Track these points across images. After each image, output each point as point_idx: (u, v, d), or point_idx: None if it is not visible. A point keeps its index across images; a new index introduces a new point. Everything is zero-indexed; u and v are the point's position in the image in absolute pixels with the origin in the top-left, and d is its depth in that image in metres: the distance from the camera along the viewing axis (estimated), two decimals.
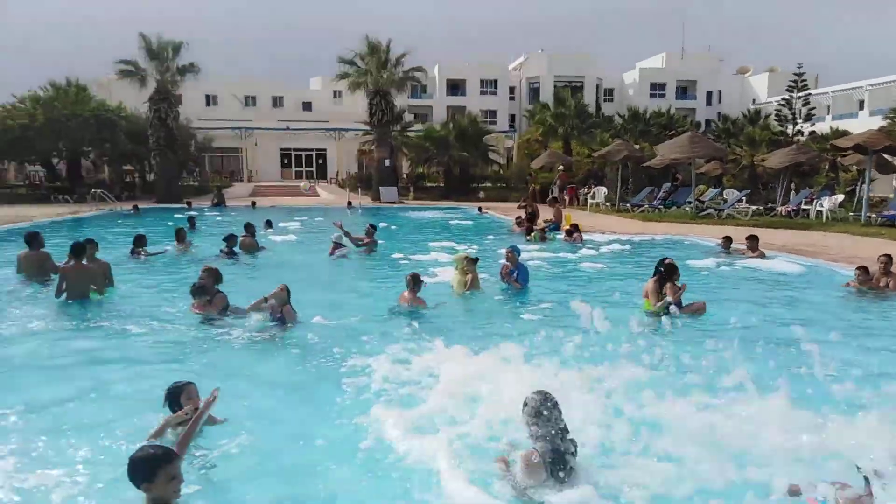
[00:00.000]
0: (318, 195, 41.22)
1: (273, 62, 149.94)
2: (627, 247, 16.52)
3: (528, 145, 45.06)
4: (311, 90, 69.95)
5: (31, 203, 31.35)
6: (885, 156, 24.49)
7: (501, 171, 44.58)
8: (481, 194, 38.43)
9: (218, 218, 25.42)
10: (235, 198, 35.17)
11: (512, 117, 69.30)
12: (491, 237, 18.74)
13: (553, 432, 4.09)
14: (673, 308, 8.61)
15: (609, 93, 70.39)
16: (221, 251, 13.78)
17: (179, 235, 14.97)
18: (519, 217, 20.75)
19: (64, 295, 9.26)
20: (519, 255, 11.05)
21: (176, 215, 25.11)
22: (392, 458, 4.53)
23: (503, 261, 11.46)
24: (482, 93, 68.43)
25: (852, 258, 13.74)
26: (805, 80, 41.13)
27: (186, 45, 32.97)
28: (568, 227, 18.01)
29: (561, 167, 33.82)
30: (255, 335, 7.68)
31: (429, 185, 43.33)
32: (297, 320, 8.07)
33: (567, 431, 4.18)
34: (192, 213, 24.34)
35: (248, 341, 7.50)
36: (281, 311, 7.95)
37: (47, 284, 10.14)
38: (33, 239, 11.05)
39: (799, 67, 40.49)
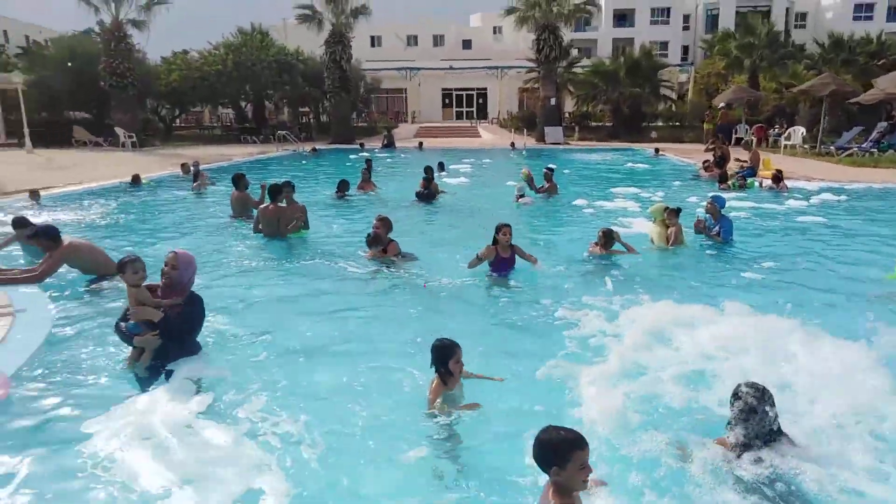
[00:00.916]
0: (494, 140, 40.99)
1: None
2: (843, 197, 14.42)
3: (705, 80, 41.29)
4: (471, 27, 69.03)
5: (225, 143, 34.23)
6: None
7: (674, 109, 41.41)
8: (653, 134, 35.98)
9: (388, 160, 26.05)
10: (402, 139, 35.91)
11: (685, 49, 63.81)
12: (677, 183, 17.33)
13: (762, 433, 3.52)
14: None
15: (801, 17, 62.16)
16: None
17: (365, 177, 15.49)
18: (707, 161, 19.01)
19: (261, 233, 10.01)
20: (722, 206, 9.98)
21: (351, 156, 26.15)
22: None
23: (700, 210, 10.47)
24: (652, 23, 63.39)
25: None
26: None
27: None
28: (771, 172, 16.10)
29: (722, 105, 30.40)
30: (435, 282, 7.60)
31: (594, 124, 41.42)
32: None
33: (780, 434, 3.58)
34: (366, 154, 25.11)
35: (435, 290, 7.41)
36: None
37: (250, 222, 10.81)
38: (239, 180, 11.85)
39: None
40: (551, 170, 15.28)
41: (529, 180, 14.55)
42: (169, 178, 18.50)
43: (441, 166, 19.66)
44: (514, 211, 13.21)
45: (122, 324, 4.86)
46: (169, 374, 4.69)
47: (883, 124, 26.16)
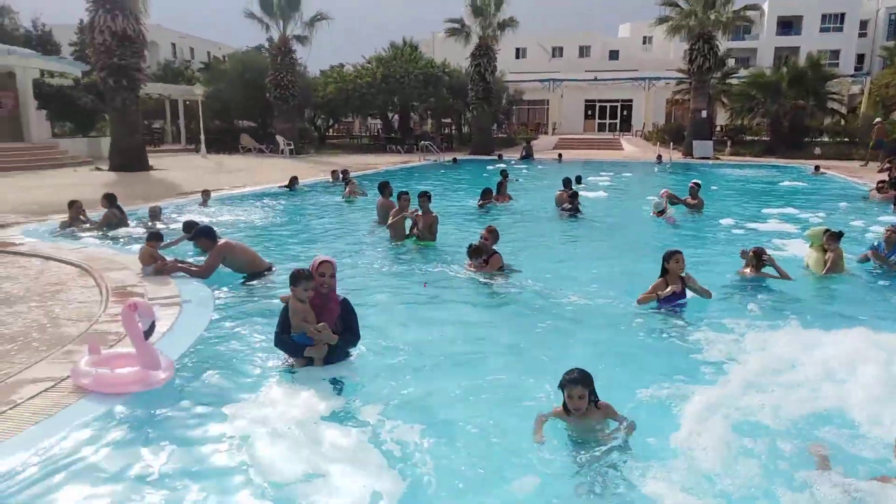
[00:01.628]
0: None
1: (579, 11, 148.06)
2: None
3: (882, 91, 37.17)
4: (618, 38, 67.41)
5: (372, 152, 36.06)
6: None
7: (843, 123, 37.69)
8: (817, 150, 32.94)
9: (524, 171, 26.05)
10: (540, 150, 35.79)
11: (860, 58, 58.02)
12: (844, 205, 15.76)
13: None
14: None
15: None
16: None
17: (501, 188, 15.66)
18: (882, 181, 17.10)
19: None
20: None
21: (488, 167, 26.48)
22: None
23: (871, 235, 9.47)
24: (822, 30, 58.27)
25: None
26: None
27: None
28: None
29: (879, 119, 27.10)
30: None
31: (749, 138, 38.73)
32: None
33: None
34: (503, 165, 25.30)
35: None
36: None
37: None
38: (384, 187, 12.42)
39: None
40: (698, 185, 14.53)
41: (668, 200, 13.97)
42: (321, 184, 19.79)
43: (578, 179, 19.34)
44: (655, 227, 12.69)
45: (289, 336, 5.06)
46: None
47: None
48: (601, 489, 3.60)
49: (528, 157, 32.01)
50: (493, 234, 8.71)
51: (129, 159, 22.87)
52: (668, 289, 6.80)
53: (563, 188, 15.17)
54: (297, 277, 5.04)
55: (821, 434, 4.20)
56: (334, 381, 4.93)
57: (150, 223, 11.70)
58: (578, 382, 4.04)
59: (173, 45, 62.37)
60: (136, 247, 9.29)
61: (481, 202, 14.61)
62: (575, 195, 13.98)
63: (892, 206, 14.38)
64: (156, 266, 8.10)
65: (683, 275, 7.02)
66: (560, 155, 31.73)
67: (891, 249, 8.82)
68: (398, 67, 37.40)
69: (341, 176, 19.22)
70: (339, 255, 9.41)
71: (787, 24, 59.70)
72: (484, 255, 8.45)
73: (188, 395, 4.72)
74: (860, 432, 4.23)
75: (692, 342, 5.94)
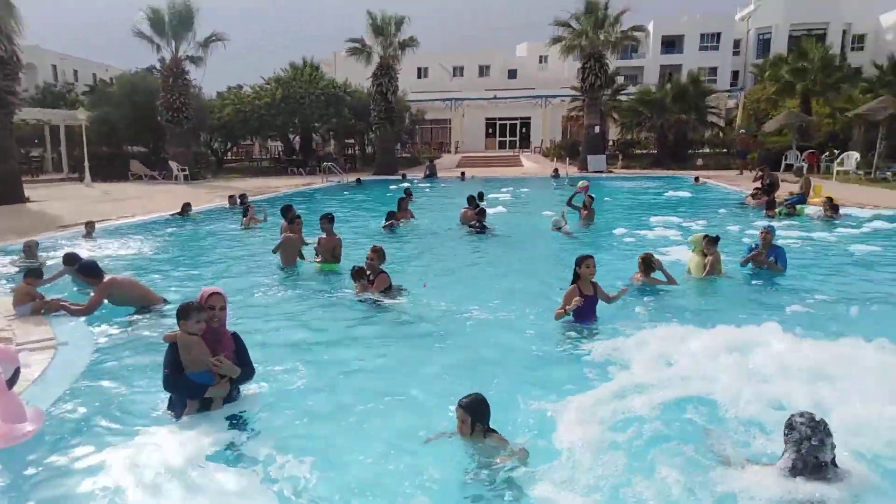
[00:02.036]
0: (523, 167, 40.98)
1: (479, 30, 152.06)
2: None
3: (755, 105, 40.41)
4: (516, 57, 69.62)
5: (273, 175, 35.24)
6: None
7: (722, 136, 40.62)
8: (699, 161, 35.32)
9: (427, 189, 26.28)
10: (444, 169, 36.24)
11: (735, 74, 62.79)
12: (722, 211, 16.92)
13: (814, 463, 3.40)
14: None
15: (859, 39, 60.45)
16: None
17: (401, 205, 15.69)
18: (756, 188, 18.51)
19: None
20: (774, 235, 9.69)
21: (392, 186, 26.48)
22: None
23: (747, 241, 10.21)
24: (702, 48, 62.71)
25: None
26: None
27: (408, 19, 34.21)
28: (821, 199, 15.56)
29: (743, 131, 30.33)
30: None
31: (639, 152, 40.96)
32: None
33: (836, 466, 3.46)
34: (407, 184, 25.40)
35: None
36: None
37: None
38: (287, 211, 12.13)
39: None
40: (592, 198, 15.15)
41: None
42: (218, 210, 19.08)
43: (480, 196, 19.71)
44: (554, 240, 13.11)
45: (184, 376, 4.64)
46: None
47: None
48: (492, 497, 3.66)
49: (431, 175, 32.31)
50: (378, 254, 8.51)
51: (1, 190, 21.17)
52: (575, 301, 6.72)
53: (467, 206, 15.41)
54: (187, 310, 4.73)
55: (690, 417, 4.60)
56: (227, 420, 4.71)
57: (25, 260, 10.84)
58: (461, 407, 4.13)
59: (54, 66, 58.70)
60: (10, 286, 8.58)
61: (386, 223, 14.58)
62: (482, 212, 14.21)
63: (765, 211, 15.55)
64: (34, 305, 7.52)
65: (594, 282, 7.08)
66: (463, 173, 32.23)
67: (767, 250, 9.51)
68: (298, 88, 36.89)
69: (239, 201, 18.63)
70: (233, 284, 9.09)
71: (671, 44, 63.83)
72: (368, 275, 8.35)
73: (59, 449, 4.36)
74: (722, 415, 4.65)
75: (583, 349, 6.17)
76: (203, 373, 4.70)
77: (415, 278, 9.25)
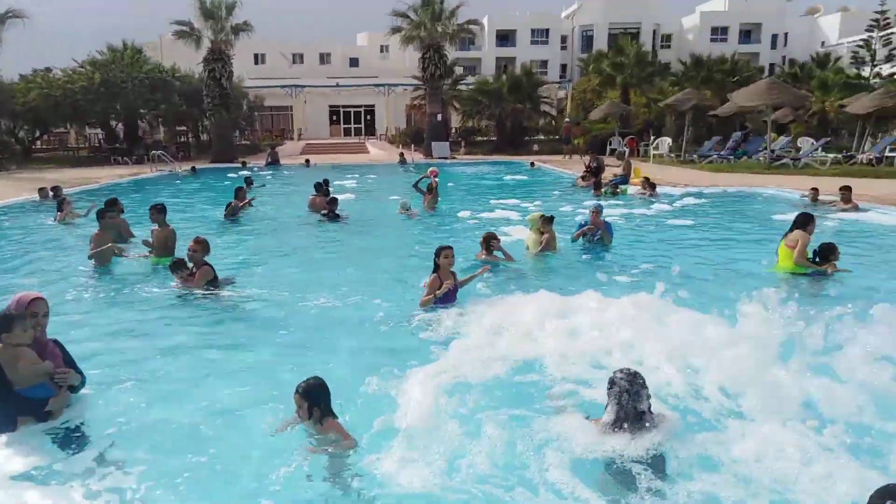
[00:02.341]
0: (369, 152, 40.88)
1: (318, 18, 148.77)
2: (703, 200, 15.61)
3: (582, 96, 43.48)
4: (357, 46, 69.01)
5: (94, 165, 32.00)
6: None
7: (554, 124, 43.26)
8: (535, 147, 37.39)
9: (269, 176, 25.35)
10: (287, 156, 35.12)
11: (563, 67, 66.99)
12: (556, 193, 18.03)
13: (633, 412, 3.75)
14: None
15: (667, 38, 67.10)
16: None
17: (238, 194, 14.88)
18: (585, 171, 19.91)
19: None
20: (602, 212, 10.50)
21: (230, 175, 25.16)
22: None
23: (579, 219, 10.96)
24: (533, 42, 66.20)
25: None
26: (888, 19, 38.02)
27: (241, 3, 32.49)
28: (641, 179, 17.12)
29: (567, 120, 33.35)
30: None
31: (479, 139, 42.45)
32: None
33: (651, 413, 3.83)
34: (247, 172, 24.29)
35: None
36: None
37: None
38: (113, 204, 10.95)
39: (882, 4, 37.37)
40: (436, 182, 15.41)
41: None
42: (30, 204, 16.95)
43: (326, 183, 19.34)
44: (402, 224, 13.19)
45: (11, 393, 4.02)
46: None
47: (737, 134, 28.62)
48: (336, 487, 3.59)
49: (274, 163, 31.16)
50: (201, 245, 7.96)
51: None
52: (444, 286, 6.82)
53: (315, 193, 15.03)
54: (9, 321, 4.09)
55: (523, 380, 4.88)
56: (62, 428, 4.19)
57: None
58: (297, 392, 4.01)
59: None
60: None
61: (227, 213, 13.79)
62: (334, 200, 13.82)
63: (593, 191, 16.79)
64: None
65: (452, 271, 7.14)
66: (308, 160, 31.43)
67: (596, 226, 10.24)
68: (119, 72, 33.71)
69: (51, 193, 16.70)
70: (49, 286, 8.12)
71: (505, 37, 66.62)
72: (188, 268, 7.84)
73: None
74: (552, 374, 4.98)
75: (428, 326, 6.27)
76: (38, 386, 4.12)
77: (253, 268, 8.85)
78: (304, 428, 4.05)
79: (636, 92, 38.13)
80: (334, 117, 56.45)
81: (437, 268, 7.01)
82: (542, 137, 40.97)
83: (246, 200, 14.95)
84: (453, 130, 43.09)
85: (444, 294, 6.80)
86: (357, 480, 3.63)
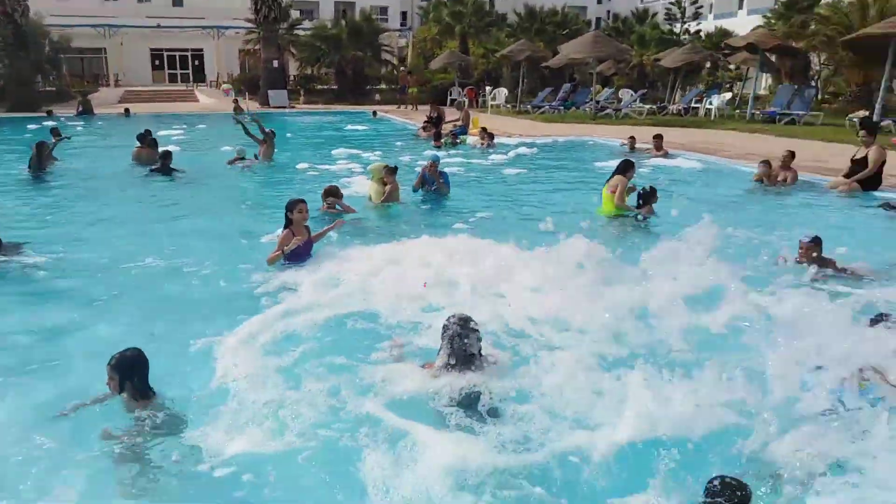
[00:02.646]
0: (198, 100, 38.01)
1: None
2: (535, 150, 16.40)
3: (422, 45, 43.38)
4: None
5: None
6: (769, 55, 25.49)
7: (396, 73, 42.90)
8: (377, 97, 36.89)
9: (80, 128, 22.70)
10: (102, 105, 31.60)
11: (404, 15, 66.14)
12: (399, 143, 17.99)
13: (465, 356, 3.91)
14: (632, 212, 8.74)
15: None
16: None
17: (40, 151, 13.10)
18: (426, 121, 20.01)
19: None
20: (439, 163, 10.63)
21: (30, 126, 22.16)
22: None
23: (419, 169, 11.04)
24: None
25: (748, 154, 14.36)
26: None
27: None
28: (479, 130, 17.55)
29: (403, 68, 33.59)
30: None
31: (319, 87, 41.01)
32: None
33: (481, 356, 4.02)
34: (53, 123, 21.55)
35: None
36: None
37: None
38: None
39: None
40: (273, 132, 14.67)
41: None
42: None
43: (148, 134, 17.73)
44: (236, 177, 12.51)
45: None
46: None
47: (567, 86, 30.24)
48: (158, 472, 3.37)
49: (85, 112, 27.91)
50: None
51: None
52: (294, 241, 6.43)
53: (140, 144, 13.73)
54: None
55: (353, 331, 4.92)
56: None
57: None
58: (109, 364, 3.66)
59: None
60: None
61: (29, 168, 12.19)
62: (167, 154, 12.56)
63: (433, 142, 16.98)
64: None
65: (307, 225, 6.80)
66: (127, 109, 28.55)
67: (433, 178, 10.37)
68: None
69: None
70: None
71: None
72: None
73: None
74: (385, 322, 5.07)
75: (260, 283, 6.05)
76: None
77: (57, 232, 7.94)
78: (120, 405, 3.73)
79: (474, 42, 38.73)
80: (157, 62, 51.56)
81: (289, 223, 6.64)
82: (384, 87, 40.44)
83: (56, 142, 13.31)
84: (291, 78, 41.20)
85: (296, 251, 6.47)
86: (185, 459, 3.39)
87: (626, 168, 8.97)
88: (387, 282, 5.77)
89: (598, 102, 26.89)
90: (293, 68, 41.90)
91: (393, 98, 36.15)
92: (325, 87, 40.78)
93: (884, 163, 10.68)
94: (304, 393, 3.95)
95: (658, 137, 14.76)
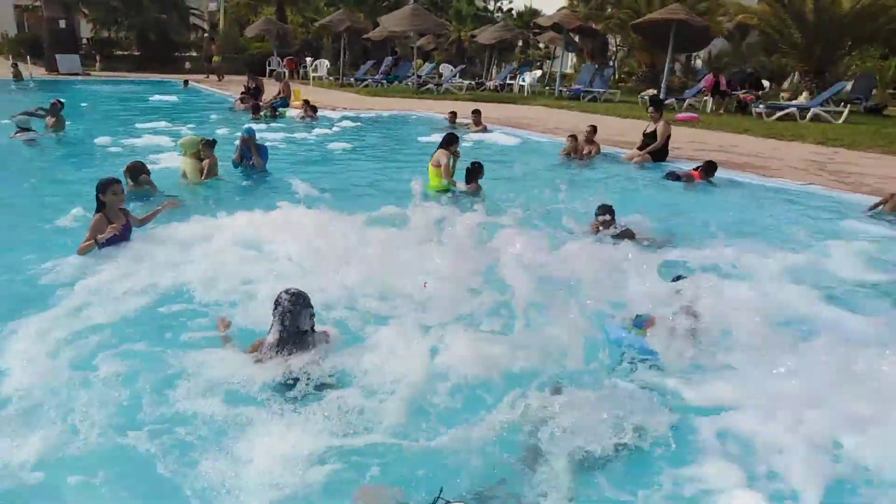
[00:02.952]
0: None
1: None
2: (360, 123, 16.33)
3: (236, 10, 40.90)
4: None
5: None
6: (572, 35, 27.50)
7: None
8: (187, 66, 34.18)
9: None
10: None
11: None
12: (213, 116, 16.87)
13: (297, 332, 3.89)
14: (460, 184, 8.93)
15: None
16: None
17: None
18: (243, 93, 18.96)
19: None
20: (255, 136, 10.14)
21: None
22: None
23: (237, 143, 10.47)
24: None
25: (556, 129, 15.48)
26: None
27: None
28: (301, 102, 17.01)
29: (206, 34, 32.09)
30: None
31: (119, 53, 37.06)
32: None
33: (314, 332, 4.00)
34: None
35: None
36: None
37: None
38: None
39: None
40: (60, 102, 13.06)
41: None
42: None
43: None
44: (22, 153, 10.96)
45: None
46: None
47: (389, 59, 30.28)
48: None
49: None
50: None
51: None
52: (110, 229, 5.67)
53: None
54: None
55: (161, 314, 4.66)
56: None
57: None
58: None
59: None
60: None
61: None
62: None
63: (251, 114, 16.17)
64: None
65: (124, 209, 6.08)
66: None
67: (250, 152, 9.89)
68: None
69: None
70: None
71: None
72: None
73: None
74: (202, 302, 4.86)
75: (49, 270, 5.40)
76: None
77: None
78: None
79: (292, 10, 37.32)
80: None
81: (101, 206, 5.88)
82: (194, 54, 37.57)
83: None
84: (84, 41, 36.74)
85: (112, 238, 5.74)
86: None
87: (450, 142, 9.20)
88: (207, 262, 5.45)
89: (420, 77, 27.28)
90: (86, 30, 37.39)
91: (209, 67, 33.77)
92: (127, 53, 36.98)
93: (669, 136, 12.08)
94: (100, 388, 3.63)
95: (476, 113, 15.34)
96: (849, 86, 22.61)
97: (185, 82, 25.44)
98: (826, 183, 10.37)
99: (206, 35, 30.46)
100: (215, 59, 30.36)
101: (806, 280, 5.65)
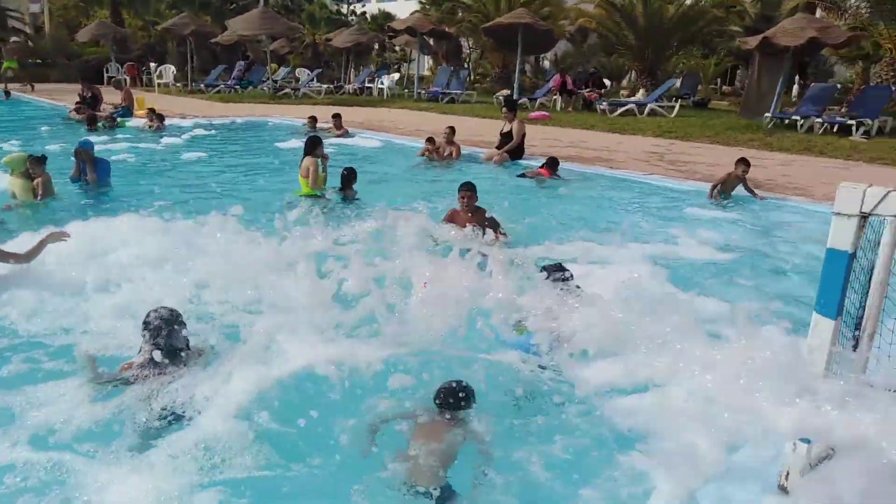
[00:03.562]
0: None
1: None
2: (213, 131, 15.58)
3: (63, 13, 37.46)
4: None
5: None
6: (426, 38, 28.00)
7: (32, 44, 36.30)
8: (9, 73, 30.76)
9: None
10: None
11: None
12: (45, 128, 15.31)
13: (173, 348, 3.71)
14: (329, 192, 8.80)
15: None
16: None
17: None
18: (78, 103, 17.39)
19: None
20: (90, 148, 9.33)
21: None
22: None
23: (74, 158, 9.61)
24: None
25: (417, 131, 15.66)
26: None
27: None
28: (146, 111, 15.89)
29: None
30: None
31: None
32: None
33: (189, 349, 3.83)
34: None
35: None
36: None
37: None
38: None
39: None
40: None
41: None
42: None
43: None
44: None
45: None
46: None
47: (241, 64, 29.13)
48: None
49: None
50: None
51: None
52: None
53: None
54: None
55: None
56: None
57: None
58: None
59: None
60: None
61: None
62: None
63: (87, 126, 14.88)
64: None
65: None
66: None
67: (91, 165, 9.11)
68: None
69: None
70: None
71: None
72: None
73: None
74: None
75: None
76: None
77: None
78: None
79: (129, 12, 34.81)
80: None
81: None
82: (31, 61, 33.90)
83: None
84: None
85: None
86: None
87: (313, 146, 8.96)
88: (51, 284, 4.94)
89: (275, 82, 26.48)
90: None
91: (33, 75, 30.58)
92: None
93: (524, 135, 12.61)
94: None
95: (337, 117, 15.15)
96: (678, 83, 24.96)
97: (7, 93, 22.87)
98: (665, 172, 11.35)
99: (14, 39, 27.02)
100: (7, 64, 27.33)
101: (659, 262, 6.15)
